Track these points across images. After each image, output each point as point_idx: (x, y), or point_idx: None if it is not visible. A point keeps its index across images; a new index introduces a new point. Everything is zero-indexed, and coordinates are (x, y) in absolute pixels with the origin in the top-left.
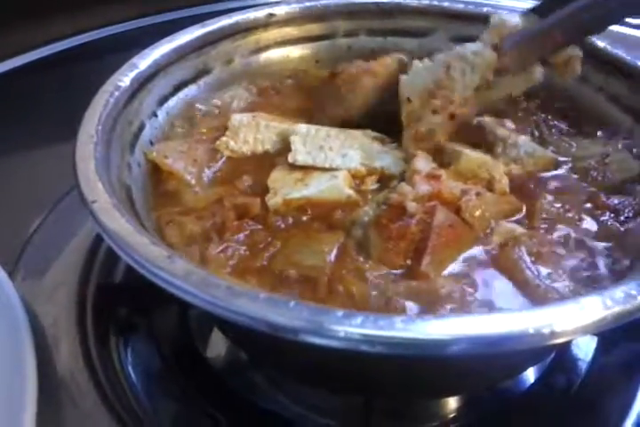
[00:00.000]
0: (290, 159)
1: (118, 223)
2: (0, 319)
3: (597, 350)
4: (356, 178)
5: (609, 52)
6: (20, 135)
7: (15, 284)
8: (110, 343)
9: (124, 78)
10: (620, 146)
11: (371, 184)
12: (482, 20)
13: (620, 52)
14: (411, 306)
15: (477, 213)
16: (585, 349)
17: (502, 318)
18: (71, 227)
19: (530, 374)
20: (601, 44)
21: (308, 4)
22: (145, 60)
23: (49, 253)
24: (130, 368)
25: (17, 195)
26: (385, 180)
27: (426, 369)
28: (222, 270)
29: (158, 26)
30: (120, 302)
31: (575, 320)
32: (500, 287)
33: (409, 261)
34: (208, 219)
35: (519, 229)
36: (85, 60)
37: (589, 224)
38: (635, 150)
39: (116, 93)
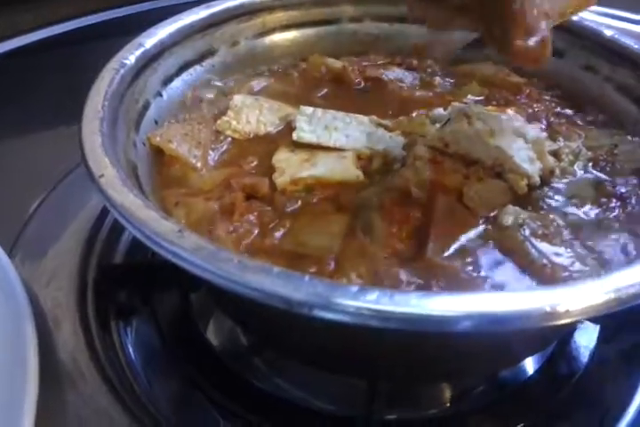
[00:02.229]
0: (294, 137)
1: (127, 198)
2: (0, 301)
3: (599, 340)
4: (361, 159)
5: (617, 42)
6: (20, 116)
7: (14, 265)
8: (111, 326)
9: (130, 56)
10: (628, 137)
11: (377, 165)
12: None
13: (629, 41)
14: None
15: (479, 198)
16: (587, 339)
17: (517, 296)
18: (71, 208)
19: (530, 364)
20: (609, 32)
21: None
22: (150, 38)
23: (49, 234)
24: (131, 350)
25: (16, 176)
26: (388, 163)
27: (431, 349)
28: (233, 250)
29: (162, 9)
30: (121, 284)
31: (587, 299)
32: (507, 270)
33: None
34: (216, 200)
35: (523, 214)
36: (88, 42)
37: (595, 210)
38: None
39: (122, 71)
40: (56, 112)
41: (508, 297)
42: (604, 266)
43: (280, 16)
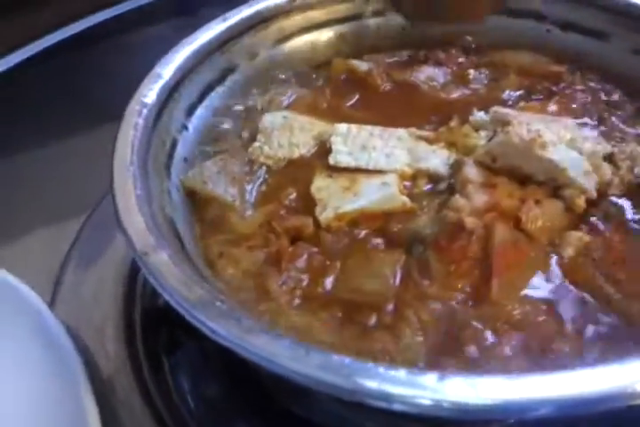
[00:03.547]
0: (331, 161)
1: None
2: (54, 364)
3: None
4: (405, 179)
5: None
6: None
7: (57, 316)
8: (164, 368)
9: (149, 93)
10: None
11: (423, 187)
12: None
13: None
14: (487, 334)
15: (539, 223)
16: None
17: (602, 373)
18: (104, 245)
19: None
20: None
21: None
22: (168, 67)
23: (87, 277)
24: (186, 392)
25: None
26: (434, 181)
27: None
28: (289, 307)
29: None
30: (168, 322)
31: None
32: (581, 307)
33: (473, 285)
34: (261, 248)
35: (587, 237)
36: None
37: None
38: None
39: (144, 111)
40: (73, 126)
41: (590, 375)
42: None
43: (298, 19)
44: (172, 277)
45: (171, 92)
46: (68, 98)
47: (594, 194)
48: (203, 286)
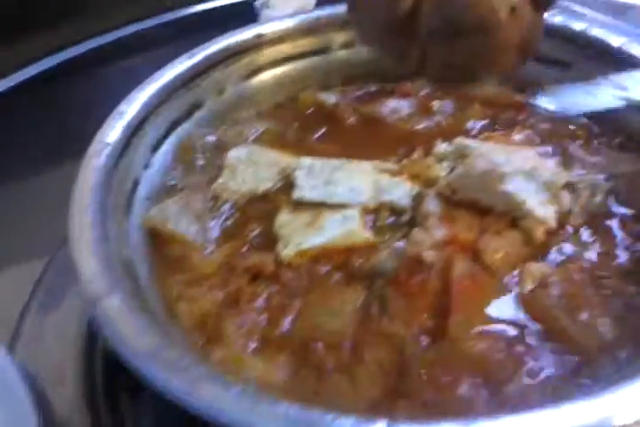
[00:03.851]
0: (294, 196)
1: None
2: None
3: None
4: (368, 213)
5: (626, 52)
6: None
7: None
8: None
9: (112, 132)
10: None
11: (385, 219)
12: None
13: (638, 52)
14: (444, 373)
15: (498, 255)
16: None
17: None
18: (67, 287)
19: None
20: (617, 41)
21: (298, 18)
22: (132, 105)
23: (48, 320)
24: None
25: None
26: (397, 214)
27: None
28: (245, 351)
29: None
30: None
31: None
32: (538, 341)
33: (434, 320)
34: (220, 288)
35: (547, 269)
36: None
37: (622, 257)
38: None
39: (106, 151)
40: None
41: (550, 415)
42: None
43: (266, 53)
44: (122, 325)
45: (135, 130)
46: (35, 134)
47: (553, 224)
48: (154, 333)
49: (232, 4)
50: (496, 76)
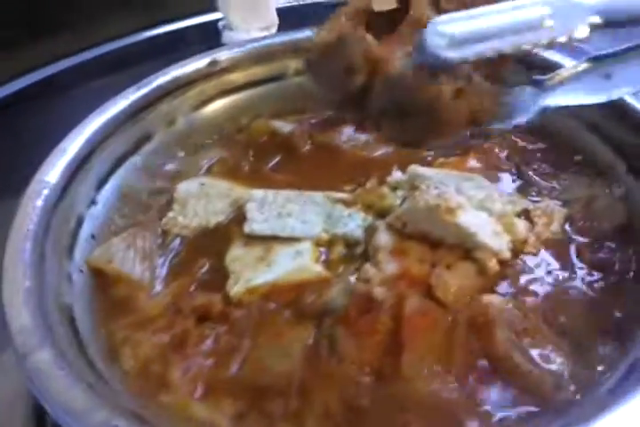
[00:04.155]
0: (246, 230)
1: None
2: None
3: None
4: (321, 245)
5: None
6: None
7: None
8: None
9: (52, 171)
10: (606, 190)
11: (339, 252)
12: None
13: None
14: (396, 416)
15: (450, 289)
16: None
17: None
18: None
19: None
20: (568, 63)
21: (251, 45)
22: (75, 141)
23: None
24: None
25: None
26: (350, 246)
27: None
28: (191, 398)
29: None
30: None
31: None
32: (493, 383)
33: (386, 359)
34: (166, 330)
35: (498, 302)
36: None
37: (577, 284)
38: (619, 190)
39: (45, 192)
40: None
41: None
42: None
43: (217, 83)
44: (52, 382)
45: (78, 167)
46: None
47: (507, 255)
48: (87, 389)
49: (198, 26)
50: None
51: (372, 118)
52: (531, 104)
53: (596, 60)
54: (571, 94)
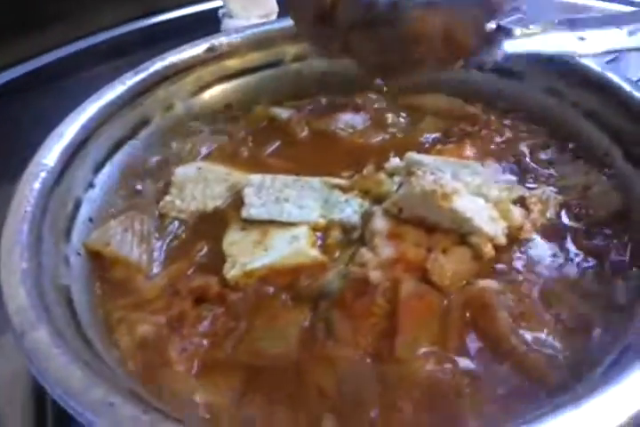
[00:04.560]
0: (243, 214)
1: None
2: None
3: None
4: (318, 230)
5: (577, 64)
6: None
7: None
8: None
9: (49, 154)
10: (603, 177)
11: (335, 237)
12: None
13: (590, 63)
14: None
15: (446, 273)
16: None
17: None
18: None
19: None
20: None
21: (249, 31)
22: (72, 125)
23: None
24: None
25: None
26: (347, 231)
27: None
28: (188, 376)
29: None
30: None
31: None
32: (488, 361)
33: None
34: (163, 311)
35: (495, 286)
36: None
37: (572, 270)
38: (615, 178)
39: (42, 175)
40: None
41: None
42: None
43: (214, 68)
44: (49, 360)
45: (75, 151)
46: None
47: (502, 240)
48: (84, 367)
49: (199, 13)
50: (430, 69)
51: (342, 36)
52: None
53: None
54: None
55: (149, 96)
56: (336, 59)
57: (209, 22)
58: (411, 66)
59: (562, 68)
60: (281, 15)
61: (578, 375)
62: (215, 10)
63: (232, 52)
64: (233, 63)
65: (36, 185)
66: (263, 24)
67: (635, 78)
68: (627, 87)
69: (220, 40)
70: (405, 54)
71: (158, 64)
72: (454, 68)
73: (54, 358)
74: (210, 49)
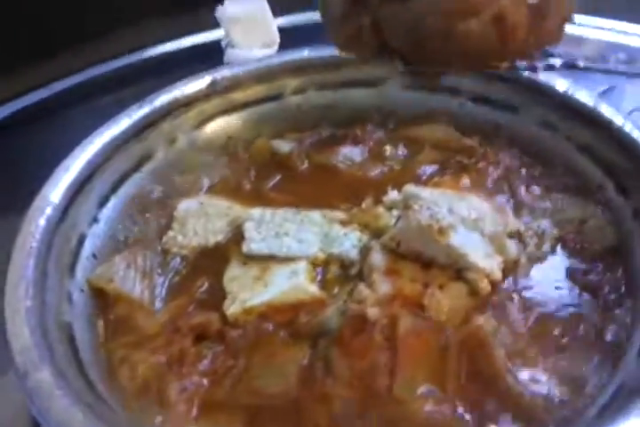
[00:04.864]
0: (244, 249)
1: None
2: None
3: None
4: (317, 265)
5: (570, 98)
6: None
7: None
8: None
9: (55, 189)
10: (599, 211)
11: (334, 272)
12: None
13: (582, 97)
14: None
15: (443, 308)
16: None
17: None
18: None
19: None
20: (562, 87)
21: (251, 65)
22: (78, 159)
23: None
24: None
25: None
26: (346, 266)
27: None
28: (188, 417)
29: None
30: None
31: None
32: (484, 404)
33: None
34: (164, 349)
35: (491, 323)
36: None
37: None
38: (609, 212)
39: (48, 211)
40: None
41: None
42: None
43: (217, 102)
44: (51, 401)
45: (81, 186)
46: None
47: (498, 276)
48: (86, 409)
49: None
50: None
51: (373, 13)
52: None
53: None
54: None
55: (154, 130)
56: (364, 55)
57: (213, 52)
58: (449, 45)
59: (555, 102)
60: (282, 45)
61: (574, 416)
62: (218, 41)
63: (234, 85)
64: (234, 97)
65: (42, 221)
66: (264, 58)
67: (630, 108)
68: (618, 121)
69: (222, 73)
70: (444, 31)
71: (163, 97)
72: (501, 66)
73: (56, 400)
74: (212, 83)
